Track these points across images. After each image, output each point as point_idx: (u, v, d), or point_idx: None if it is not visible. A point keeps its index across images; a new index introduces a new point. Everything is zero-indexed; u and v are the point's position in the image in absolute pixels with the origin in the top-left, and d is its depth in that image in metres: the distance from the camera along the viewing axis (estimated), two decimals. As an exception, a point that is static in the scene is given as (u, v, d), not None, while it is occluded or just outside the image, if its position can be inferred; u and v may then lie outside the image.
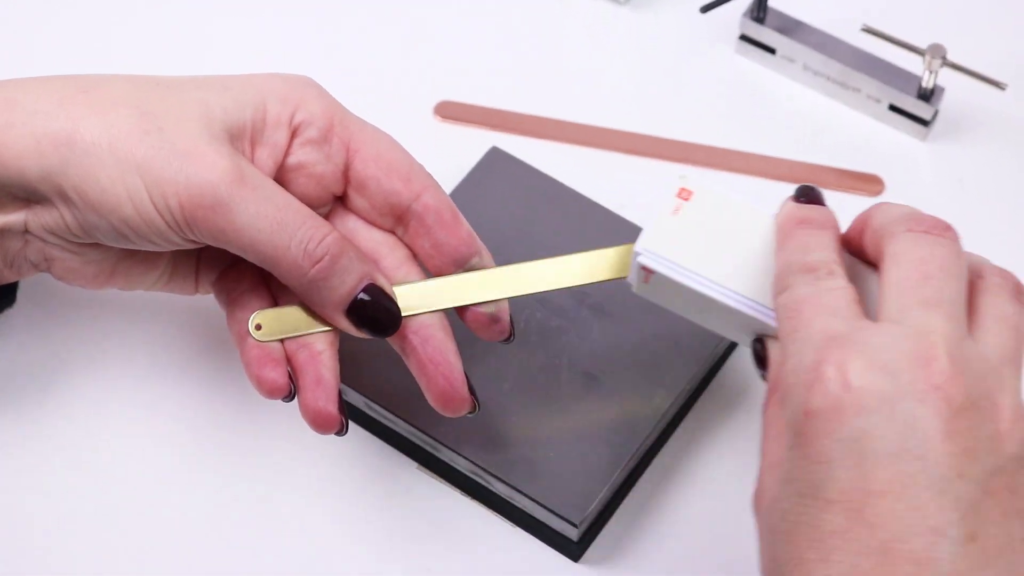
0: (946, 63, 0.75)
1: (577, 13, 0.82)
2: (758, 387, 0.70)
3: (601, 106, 0.79)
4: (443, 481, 0.67)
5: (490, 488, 0.66)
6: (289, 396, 0.60)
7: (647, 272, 0.57)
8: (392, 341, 0.61)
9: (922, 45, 0.75)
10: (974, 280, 0.51)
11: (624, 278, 0.60)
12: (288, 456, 0.68)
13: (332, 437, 0.67)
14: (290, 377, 0.60)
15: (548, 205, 0.71)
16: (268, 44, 0.81)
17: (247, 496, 0.67)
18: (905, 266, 0.50)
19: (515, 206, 0.71)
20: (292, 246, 0.58)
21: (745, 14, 0.79)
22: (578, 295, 0.68)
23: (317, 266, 0.58)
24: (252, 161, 0.59)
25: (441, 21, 0.82)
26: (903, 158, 0.78)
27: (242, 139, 0.59)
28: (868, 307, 0.51)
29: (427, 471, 0.68)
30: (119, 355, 0.70)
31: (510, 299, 0.62)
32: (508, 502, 0.66)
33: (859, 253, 0.54)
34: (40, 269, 0.62)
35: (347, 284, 0.59)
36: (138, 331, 0.71)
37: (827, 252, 0.53)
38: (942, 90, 0.77)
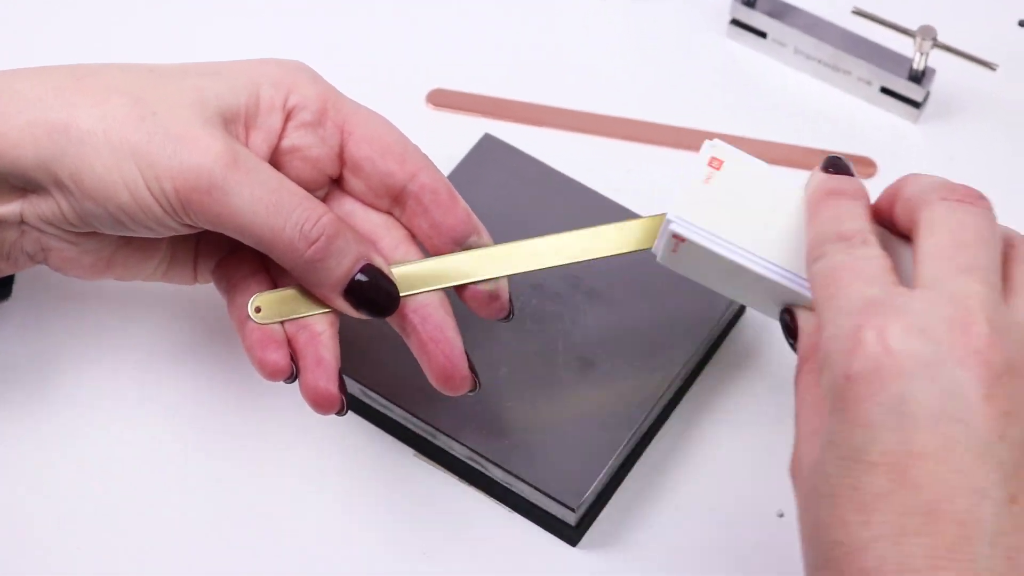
0: (937, 44, 0.75)
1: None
2: (754, 369, 0.70)
3: (593, 92, 0.79)
4: (440, 468, 0.67)
5: (487, 474, 0.66)
6: (291, 378, 0.60)
7: (678, 240, 0.57)
8: (392, 321, 0.61)
9: (912, 27, 0.75)
10: (1006, 250, 0.52)
11: (626, 253, 0.60)
12: (285, 445, 0.68)
13: (330, 424, 0.68)
14: (292, 359, 0.60)
15: (541, 192, 0.71)
16: (261, 34, 0.81)
17: (244, 485, 0.67)
18: (940, 234, 0.51)
19: (508, 193, 0.71)
20: (288, 227, 0.58)
21: (736, -2, 0.79)
22: (572, 280, 0.68)
23: (313, 247, 0.58)
24: (247, 145, 0.60)
25: (432, 9, 0.82)
26: (895, 140, 0.78)
27: (236, 124, 0.59)
28: (901, 277, 0.51)
29: (424, 458, 0.68)
30: (117, 346, 0.70)
31: (508, 277, 0.62)
32: (505, 488, 0.66)
33: (889, 224, 0.55)
34: (36, 261, 0.62)
35: (344, 265, 0.59)
36: (135, 322, 0.71)
37: (860, 221, 0.53)
38: (933, 72, 0.77)
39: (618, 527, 0.66)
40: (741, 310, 0.71)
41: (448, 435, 0.65)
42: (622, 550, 0.66)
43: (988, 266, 0.50)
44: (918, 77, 0.77)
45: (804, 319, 0.55)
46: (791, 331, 0.56)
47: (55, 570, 0.65)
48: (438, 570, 0.65)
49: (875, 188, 0.76)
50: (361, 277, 0.59)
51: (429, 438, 0.67)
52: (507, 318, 0.63)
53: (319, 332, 0.61)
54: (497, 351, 0.67)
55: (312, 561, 0.66)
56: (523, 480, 0.64)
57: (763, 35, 0.80)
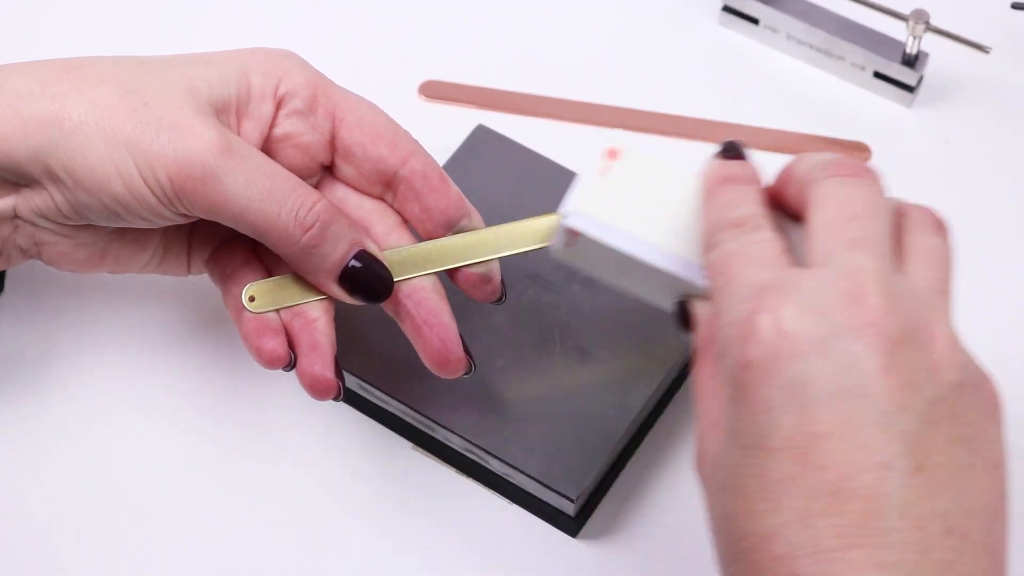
0: (929, 28, 0.75)
1: (559, -11, 0.82)
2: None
3: (586, 81, 0.79)
4: (438, 460, 0.67)
5: (486, 466, 0.66)
6: (289, 365, 0.60)
7: (572, 235, 0.56)
8: (386, 306, 0.61)
9: (905, 11, 0.75)
10: (898, 219, 0.51)
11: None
12: (283, 438, 0.68)
13: (328, 418, 0.68)
14: (289, 346, 0.60)
15: (536, 182, 0.71)
16: (252, 27, 0.81)
17: (242, 479, 0.67)
18: (829, 209, 0.50)
19: (503, 184, 0.71)
20: (282, 214, 0.58)
21: (727, -15, 0.79)
22: (568, 270, 0.68)
23: (308, 233, 0.58)
24: (239, 134, 0.60)
25: (422, 1, 0.82)
26: (889, 125, 0.78)
27: (228, 112, 0.59)
28: (797, 258, 0.51)
29: (422, 450, 0.68)
30: (111, 339, 0.70)
31: (501, 260, 0.62)
32: (504, 479, 0.66)
33: (786, 206, 0.54)
34: (29, 255, 0.62)
35: (338, 251, 0.59)
36: (130, 315, 0.70)
37: (751, 206, 0.52)
38: (926, 56, 0.77)
39: (618, 517, 0.66)
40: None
41: (446, 427, 0.65)
42: (622, 540, 0.66)
43: (878, 237, 0.49)
44: (911, 61, 0.76)
45: (703, 309, 0.54)
46: (685, 322, 0.55)
47: (54, 564, 0.65)
48: (438, 562, 0.65)
49: (870, 173, 0.76)
50: (355, 263, 0.59)
51: (427, 431, 0.66)
52: (499, 300, 0.63)
53: (314, 319, 0.61)
54: (494, 342, 0.66)
55: (311, 555, 0.65)
56: (522, 471, 0.64)
57: (755, 21, 0.79)
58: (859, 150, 0.77)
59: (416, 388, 0.65)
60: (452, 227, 0.61)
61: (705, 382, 0.52)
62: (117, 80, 0.58)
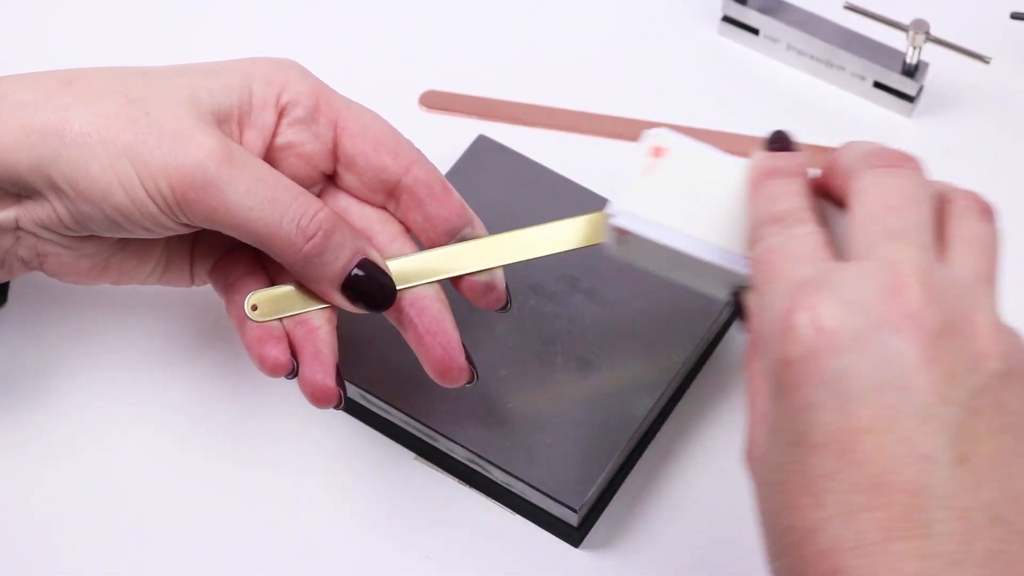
0: (929, 38, 0.75)
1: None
2: (753, 367, 0.70)
3: (587, 92, 0.79)
4: (441, 470, 0.67)
5: (488, 476, 0.66)
6: (292, 374, 0.60)
7: (621, 233, 0.56)
8: (389, 315, 0.61)
9: (905, 21, 0.75)
10: (941, 206, 0.51)
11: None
12: (285, 448, 0.68)
13: (330, 428, 0.68)
14: (292, 355, 0.60)
15: (537, 192, 0.71)
16: (254, 37, 0.81)
17: (244, 488, 0.67)
18: (869, 202, 0.50)
19: (504, 194, 0.71)
20: (285, 223, 0.58)
21: (727, -5, 0.79)
22: (570, 280, 0.68)
23: (311, 242, 0.58)
24: (241, 143, 0.60)
25: (423, 11, 0.82)
26: (889, 135, 0.78)
27: (229, 122, 0.60)
28: (843, 249, 0.51)
29: (424, 461, 0.68)
30: (114, 350, 0.70)
31: (504, 267, 0.62)
32: (506, 489, 0.66)
33: (833, 196, 0.54)
34: (31, 267, 0.62)
35: (341, 260, 0.59)
36: (132, 325, 0.70)
37: (795, 199, 0.52)
38: (926, 66, 0.77)
39: (620, 527, 0.66)
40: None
41: (448, 438, 0.65)
42: (625, 550, 0.66)
43: (918, 227, 0.49)
44: (911, 71, 0.77)
45: (753, 301, 0.53)
46: (741, 313, 0.55)
47: (55, 571, 0.65)
48: (440, 573, 0.65)
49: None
50: (358, 272, 0.59)
51: (429, 441, 0.66)
52: (504, 308, 0.63)
53: (317, 327, 0.61)
54: (496, 353, 0.66)
55: (313, 564, 0.65)
56: (524, 481, 0.64)
57: (755, 32, 0.80)
58: (859, 160, 0.77)
59: (418, 398, 0.65)
60: (455, 235, 0.61)
61: (753, 376, 0.52)
62: (119, 91, 0.58)
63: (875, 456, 0.46)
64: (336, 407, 0.61)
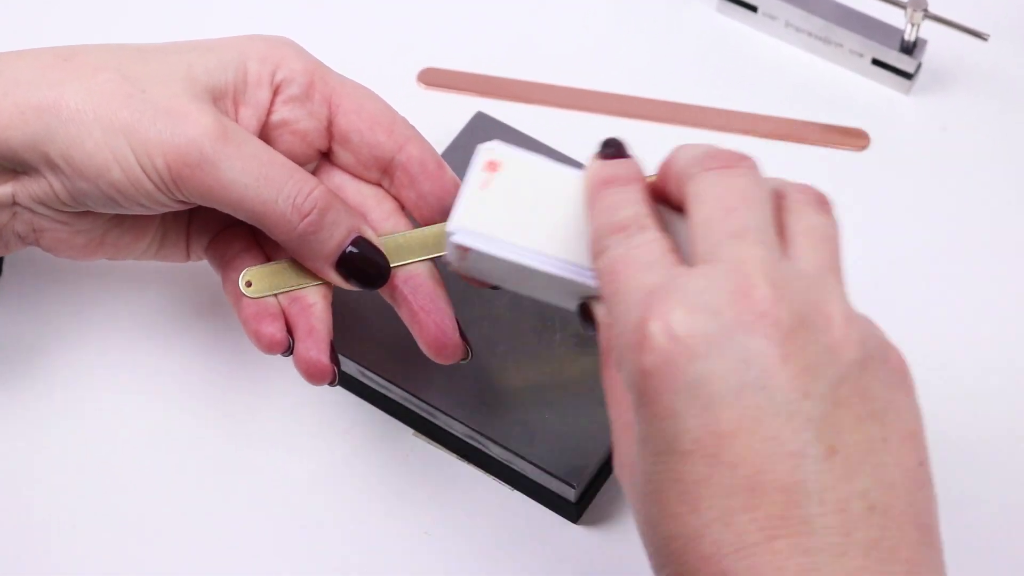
0: (928, 15, 0.75)
1: (557, -24, 0.82)
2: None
3: (585, 68, 0.79)
4: (440, 447, 0.68)
5: (487, 452, 0.66)
6: (288, 350, 0.60)
7: (462, 251, 0.55)
8: (383, 292, 0.61)
9: (903, -2, 0.75)
10: (778, 202, 0.51)
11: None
12: (283, 424, 0.68)
13: (329, 405, 0.68)
14: (288, 331, 0.60)
15: (535, 169, 0.71)
16: (250, 15, 0.81)
17: (242, 465, 0.67)
18: (708, 204, 0.50)
19: (502, 171, 0.71)
20: (280, 200, 0.58)
21: (726, -27, 0.79)
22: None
23: (306, 220, 0.58)
24: (236, 121, 0.60)
25: (421, -12, 0.82)
26: (887, 112, 0.78)
27: (225, 99, 0.60)
28: (686, 253, 0.50)
29: (423, 437, 0.68)
30: (109, 325, 0.70)
31: None
32: (506, 465, 0.66)
33: (670, 200, 0.53)
34: (28, 242, 0.62)
35: (336, 237, 0.59)
36: (128, 301, 0.70)
37: (635, 207, 0.52)
38: (924, 43, 0.77)
39: (619, 502, 0.66)
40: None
41: (447, 414, 0.65)
42: (623, 525, 0.66)
43: (759, 225, 0.49)
44: (909, 48, 0.77)
45: (601, 311, 0.53)
46: (591, 323, 0.54)
47: (50, 549, 0.65)
48: (439, 548, 0.65)
49: (869, 160, 0.76)
50: (352, 249, 0.59)
51: (428, 417, 0.66)
52: (496, 287, 0.63)
53: (312, 304, 0.61)
54: (494, 330, 0.67)
55: (312, 541, 0.66)
56: (523, 458, 0.64)
57: (754, 9, 0.80)
58: (857, 137, 0.77)
59: (417, 375, 0.65)
60: (448, 212, 0.61)
61: (611, 386, 0.52)
62: (114, 68, 0.58)
63: (745, 457, 0.46)
64: (331, 384, 0.61)
